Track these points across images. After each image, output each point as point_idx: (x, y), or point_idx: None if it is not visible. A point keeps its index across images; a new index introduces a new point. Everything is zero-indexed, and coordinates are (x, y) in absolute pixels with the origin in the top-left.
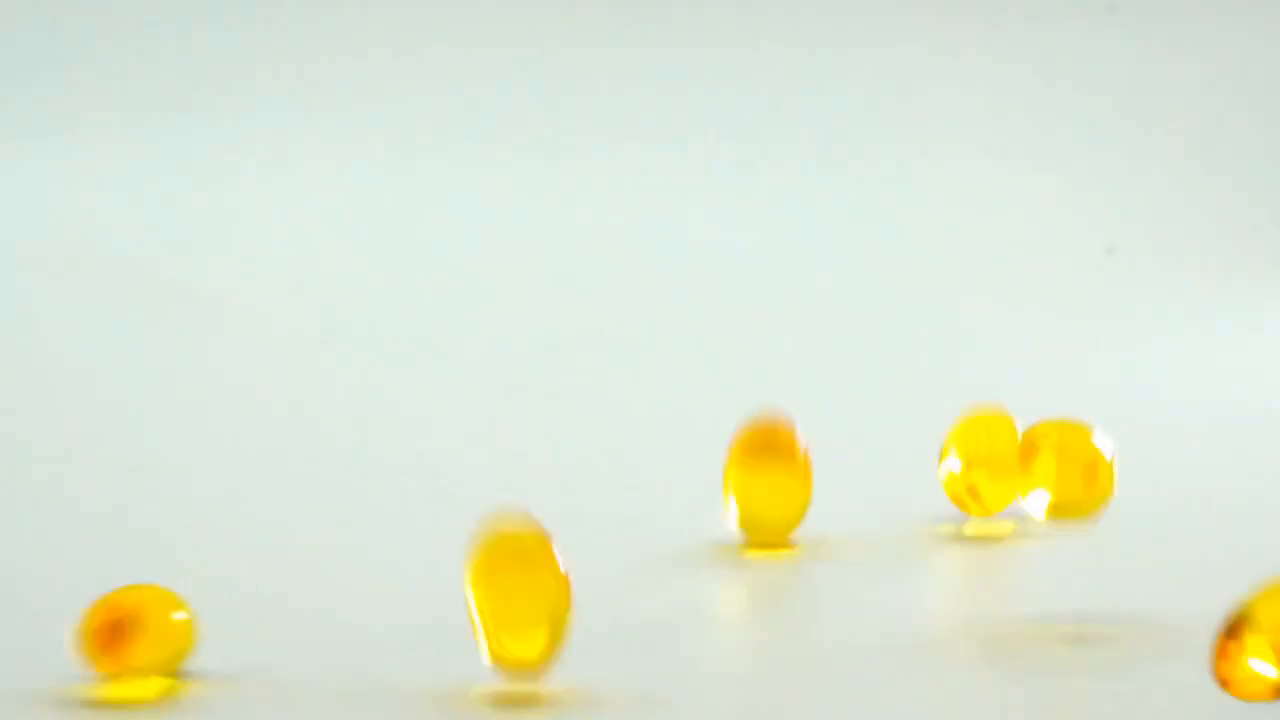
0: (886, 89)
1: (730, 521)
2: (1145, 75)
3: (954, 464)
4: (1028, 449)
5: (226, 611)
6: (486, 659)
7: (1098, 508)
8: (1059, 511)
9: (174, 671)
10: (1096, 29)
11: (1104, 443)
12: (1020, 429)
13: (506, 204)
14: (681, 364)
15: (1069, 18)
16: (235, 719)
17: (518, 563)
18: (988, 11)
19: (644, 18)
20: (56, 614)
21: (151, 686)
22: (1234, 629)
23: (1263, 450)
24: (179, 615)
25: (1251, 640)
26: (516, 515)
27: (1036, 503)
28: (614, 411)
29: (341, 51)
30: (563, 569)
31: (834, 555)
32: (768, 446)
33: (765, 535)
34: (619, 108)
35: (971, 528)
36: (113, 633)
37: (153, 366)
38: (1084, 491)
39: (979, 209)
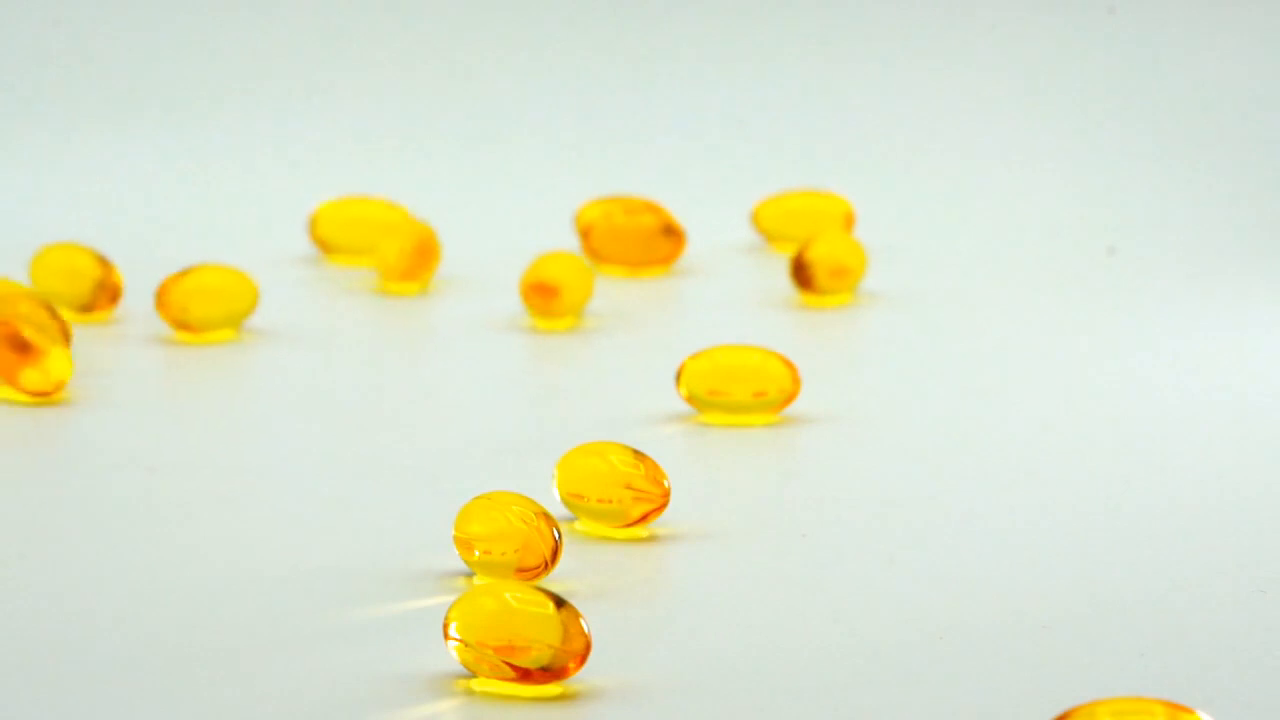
0: (886, 88)
1: None
2: (1146, 75)
3: None
4: None
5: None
6: None
7: None
8: None
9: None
10: (1096, 29)
11: None
12: None
13: None
14: None
15: (1069, 18)
16: None
17: None
18: (988, 11)
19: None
20: None
21: None
22: None
23: (1263, 449)
24: None
25: None
26: None
27: None
28: None
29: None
30: None
31: None
32: None
33: None
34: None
35: None
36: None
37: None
38: None
39: (977, 209)
